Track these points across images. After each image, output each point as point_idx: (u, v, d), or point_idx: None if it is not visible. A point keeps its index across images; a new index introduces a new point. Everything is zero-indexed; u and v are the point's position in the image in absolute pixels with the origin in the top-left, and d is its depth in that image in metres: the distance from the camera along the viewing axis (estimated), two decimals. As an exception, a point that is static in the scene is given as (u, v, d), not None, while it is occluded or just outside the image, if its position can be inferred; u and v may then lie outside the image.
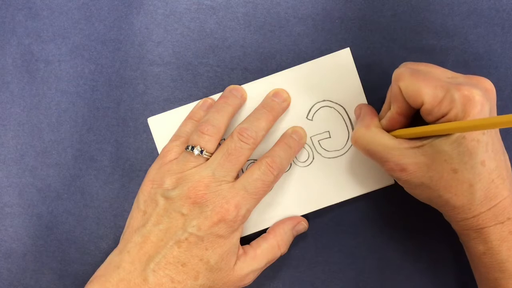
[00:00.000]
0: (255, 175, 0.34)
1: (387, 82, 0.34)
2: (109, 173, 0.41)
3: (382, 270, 0.39)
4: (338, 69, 0.38)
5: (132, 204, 0.40)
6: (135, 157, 0.40)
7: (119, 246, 0.35)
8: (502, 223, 0.31)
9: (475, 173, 0.30)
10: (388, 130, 0.34)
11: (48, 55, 0.41)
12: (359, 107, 0.38)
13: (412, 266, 0.39)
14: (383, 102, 0.36)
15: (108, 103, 0.41)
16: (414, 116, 0.34)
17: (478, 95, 0.29)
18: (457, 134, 0.30)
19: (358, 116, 0.37)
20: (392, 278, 0.39)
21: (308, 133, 0.39)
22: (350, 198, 0.38)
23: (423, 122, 0.33)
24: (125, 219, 0.40)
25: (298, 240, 0.39)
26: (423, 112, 0.31)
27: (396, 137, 0.33)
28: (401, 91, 0.31)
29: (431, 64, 0.33)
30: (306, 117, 0.39)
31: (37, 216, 0.41)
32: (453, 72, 0.32)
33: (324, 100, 0.39)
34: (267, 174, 0.35)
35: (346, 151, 0.39)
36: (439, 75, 0.31)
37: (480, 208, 0.31)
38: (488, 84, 0.31)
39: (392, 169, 0.32)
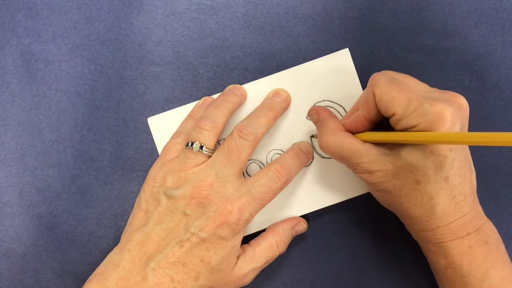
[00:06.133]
0: (262, 180, 0.34)
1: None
2: (109, 173, 0.41)
3: (382, 270, 0.39)
4: (338, 69, 0.38)
5: (132, 204, 0.40)
6: (135, 157, 0.40)
7: (120, 244, 0.35)
8: (462, 238, 0.32)
9: (437, 187, 0.31)
10: (350, 131, 0.34)
11: (48, 55, 0.41)
12: (315, 110, 0.37)
13: (412, 266, 0.39)
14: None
15: (108, 103, 0.41)
16: (378, 122, 0.34)
17: (450, 113, 0.29)
18: (425, 148, 0.30)
19: (316, 121, 0.36)
20: (392, 278, 0.39)
21: (307, 133, 0.39)
22: (350, 198, 0.38)
23: (385, 127, 0.33)
24: (125, 219, 0.40)
25: (298, 240, 0.39)
26: (392, 121, 0.31)
27: (363, 140, 0.33)
28: (374, 97, 0.31)
29: (410, 76, 0.33)
30: (306, 117, 0.39)
31: (37, 216, 0.41)
32: (429, 87, 0.32)
33: (324, 100, 0.39)
34: (275, 180, 0.34)
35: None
36: (415, 88, 0.31)
37: (438, 222, 0.31)
38: (462, 101, 0.31)
39: (360, 172, 0.33)
